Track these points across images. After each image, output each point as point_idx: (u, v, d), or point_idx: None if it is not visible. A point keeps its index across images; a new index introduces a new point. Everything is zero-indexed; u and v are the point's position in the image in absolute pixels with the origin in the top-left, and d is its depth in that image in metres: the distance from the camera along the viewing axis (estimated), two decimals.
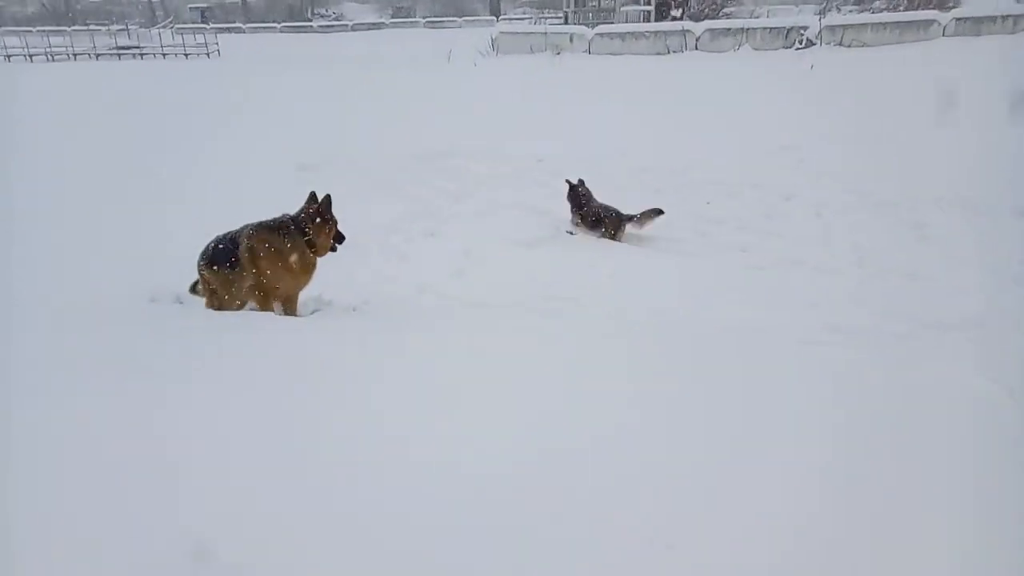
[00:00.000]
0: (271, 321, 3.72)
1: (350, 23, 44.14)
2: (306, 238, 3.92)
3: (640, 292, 4.93)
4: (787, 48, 16.31)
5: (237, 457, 2.08)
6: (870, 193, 7.17)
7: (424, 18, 46.31)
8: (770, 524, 1.92)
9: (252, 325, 3.57)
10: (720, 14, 22.47)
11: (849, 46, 15.90)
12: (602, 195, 6.43)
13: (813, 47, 16.02)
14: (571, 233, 6.35)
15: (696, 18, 20.08)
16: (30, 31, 28.78)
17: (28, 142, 9.23)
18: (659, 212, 6.22)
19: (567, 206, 6.43)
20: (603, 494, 2.01)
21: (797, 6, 33.54)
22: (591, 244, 6.07)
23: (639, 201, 7.20)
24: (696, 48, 16.87)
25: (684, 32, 16.95)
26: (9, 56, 24.53)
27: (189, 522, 1.79)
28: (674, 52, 16.91)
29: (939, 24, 15.95)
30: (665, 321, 4.29)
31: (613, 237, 6.19)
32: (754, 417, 2.49)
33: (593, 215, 6.26)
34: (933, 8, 17.57)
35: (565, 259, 5.67)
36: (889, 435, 2.42)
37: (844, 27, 16.23)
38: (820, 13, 18.19)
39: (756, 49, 16.44)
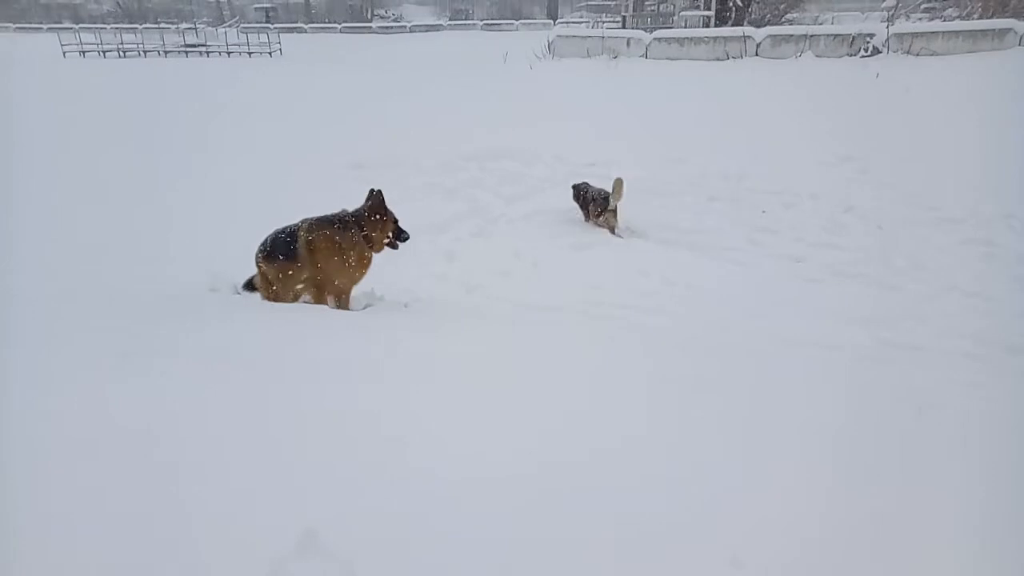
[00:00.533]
0: (323, 315, 3.78)
1: (408, 24, 44.72)
2: (363, 233, 4.00)
3: (692, 301, 4.86)
4: (852, 56, 15.81)
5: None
6: (934, 208, 6.92)
7: (481, 20, 46.62)
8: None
9: (302, 319, 3.62)
10: (782, 20, 21.98)
11: (918, 55, 15.33)
12: (654, 200, 6.40)
13: (879, 55, 15.51)
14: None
15: (757, 24, 19.68)
16: (104, 28, 29.95)
17: (93, 135, 9.64)
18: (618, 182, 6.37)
19: (620, 210, 6.50)
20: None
21: (863, 13, 32.62)
22: (642, 249, 6.01)
23: (691, 208, 7.12)
24: (756, 54, 16.53)
25: (744, 38, 16.61)
26: (84, 52, 25.62)
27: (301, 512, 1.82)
28: (733, 58, 16.60)
29: (1015, 33, 15.24)
30: (719, 333, 4.20)
31: (598, 217, 6.44)
32: (817, 446, 2.37)
33: (589, 203, 6.56)
34: (1009, 16, 16.78)
35: (616, 263, 5.63)
36: (953, 464, 2.31)
37: (913, 35, 15.66)
38: (888, 20, 17.58)
39: (819, 56, 16.00)
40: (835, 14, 26.91)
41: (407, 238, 4.17)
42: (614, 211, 6.41)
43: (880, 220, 6.66)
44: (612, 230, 6.42)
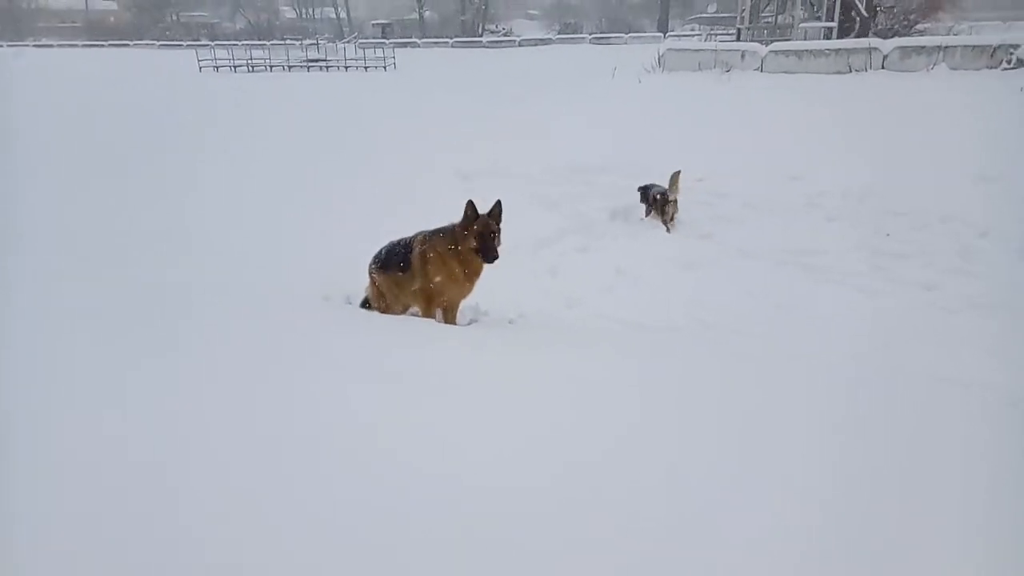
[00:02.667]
0: (432, 329, 3.79)
1: (518, 39, 45.32)
2: (470, 247, 3.88)
3: (810, 328, 4.54)
4: (992, 68, 14.62)
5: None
6: None
7: (591, 34, 46.58)
8: None
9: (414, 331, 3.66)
10: (912, 31, 20.66)
11: None
12: (766, 218, 6.14)
13: None
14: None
15: (884, 35, 18.57)
16: (236, 44, 32.17)
17: (216, 145, 10.27)
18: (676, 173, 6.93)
19: (730, 228, 6.68)
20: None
21: (1005, 22, 30.13)
22: (753, 270, 5.73)
23: (807, 227, 6.75)
24: (883, 67, 15.58)
25: (870, 50, 15.68)
26: (217, 66, 27.57)
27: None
28: (857, 71, 15.71)
29: None
30: (846, 366, 3.84)
31: (661, 211, 6.91)
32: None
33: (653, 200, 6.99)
34: None
35: (724, 284, 5.39)
36: None
37: None
38: None
39: (954, 69, 14.87)
40: (972, 24, 24.94)
41: (491, 259, 3.85)
42: (674, 202, 6.82)
43: (1022, 247, 6.05)
44: (666, 223, 6.85)
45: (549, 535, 1.76)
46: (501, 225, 3.95)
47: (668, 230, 6.83)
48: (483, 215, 3.89)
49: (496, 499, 1.90)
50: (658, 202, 6.90)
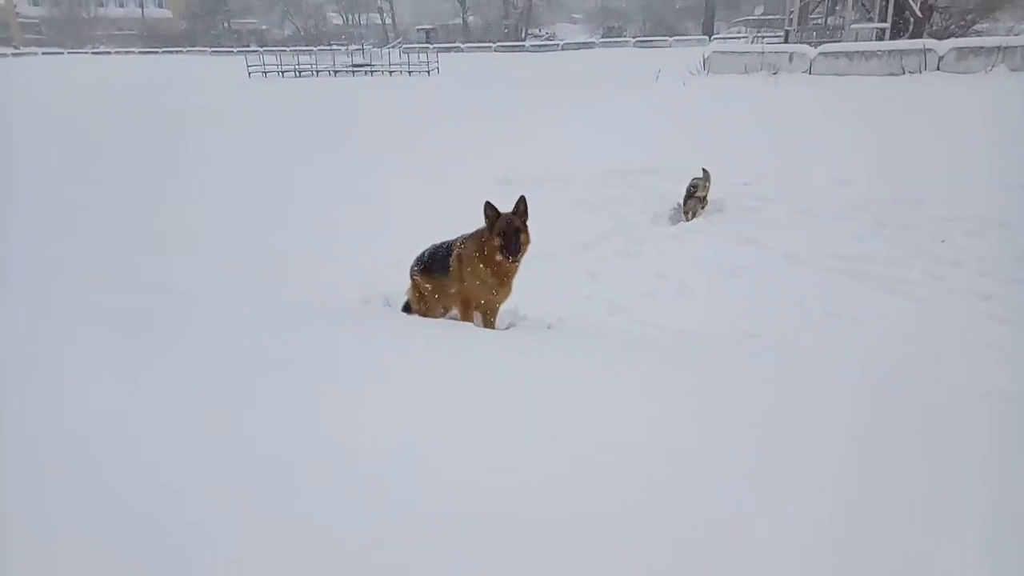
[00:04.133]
0: (467, 332, 3.79)
1: (560, 43, 45.32)
2: (495, 246, 3.80)
3: (861, 337, 4.40)
4: None
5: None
6: None
7: (634, 37, 46.29)
8: None
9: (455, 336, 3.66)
10: (969, 31, 19.97)
11: None
12: (813, 223, 6.05)
13: None
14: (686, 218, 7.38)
15: (939, 36, 17.97)
16: (284, 50, 32.90)
17: (259, 150, 10.48)
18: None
19: (776, 233, 6.63)
20: None
21: None
22: (800, 276, 5.59)
23: (856, 233, 6.58)
24: (938, 68, 15.07)
25: (924, 51, 15.18)
26: (266, 72, 28.21)
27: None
28: (910, 72, 15.23)
29: None
30: (899, 379, 3.68)
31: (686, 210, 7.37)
32: None
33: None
34: None
35: (772, 290, 5.28)
36: None
37: None
38: None
39: (1014, 70, 14.31)
40: None
41: (515, 252, 3.75)
42: (701, 199, 7.28)
43: None
44: (688, 214, 7.30)
45: (554, 538, 1.75)
46: (528, 222, 3.87)
47: (687, 220, 7.31)
48: (505, 213, 3.83)
49: (501, 503, 1.90)
50: (686, 196, 7.37)
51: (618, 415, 2.47)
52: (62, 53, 47.35)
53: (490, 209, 3.83)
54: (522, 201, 3.87)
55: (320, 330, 3.35)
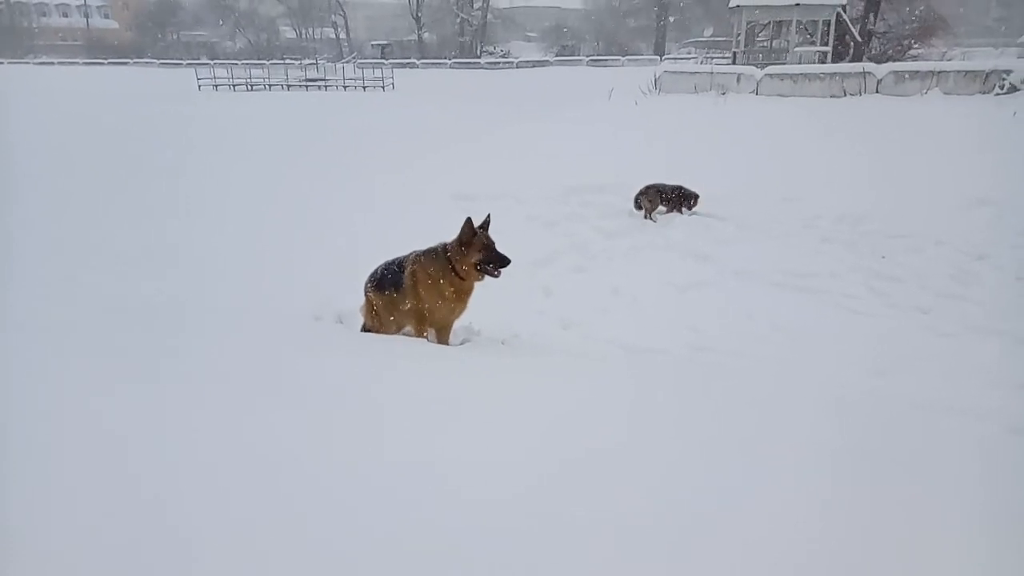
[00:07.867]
0: (421, 349, 3.76)
1: (515, 60, 45.78)
2: (450, 266, 3.85)
3: (805, 350, 4.52)
4: (985, 94, 14.77)
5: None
6: None
7: (588, 56, 47.05)
8: None
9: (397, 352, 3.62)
10: (906, 56, 20.90)
11: None
12: (762, 240, 6.25)
13: (1017, 92, 14.41)
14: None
15: (878, 60, 18.77)
16: (236, 63, 32.41)
17: (210, 165, 10.27)
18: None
19: (726, 249, 6.85)
20: None
21: (997, 48, 30.49)
22: (749, 291, 5.72)
23: (803, 249, 6.77)
24: (877, 91, 15.74)
25: (864, 74, 15.84)
26: (216, 85, 27.71)
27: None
28: (851, 95, 15.87)
29: None
30: (841, 390, 3.77)
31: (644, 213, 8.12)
32: None
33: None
34: None
35: (721, 305, 5.38)
36: None
37: None
38: None
39: (947, 93, 15.04)
40: (965, 50, 25.23)
41: (507, 263, 3.84)
42: (650, 199, 8.09)
43: (1019, 271, 6.06)
44: (646, 215, 8.05)
45: (523, 549, 1.74)
46: (484, 239, 3.91)
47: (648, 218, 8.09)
48: (481, 230, 3.88)
49: (476, 512, 1.88)
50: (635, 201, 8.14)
51: (584, 429, 2.47)
52: (1, 63, 45.76)
53: (469, 226, 3.82)
54: (488, 217, 3.95)
55: (275, 349, 3.28)
